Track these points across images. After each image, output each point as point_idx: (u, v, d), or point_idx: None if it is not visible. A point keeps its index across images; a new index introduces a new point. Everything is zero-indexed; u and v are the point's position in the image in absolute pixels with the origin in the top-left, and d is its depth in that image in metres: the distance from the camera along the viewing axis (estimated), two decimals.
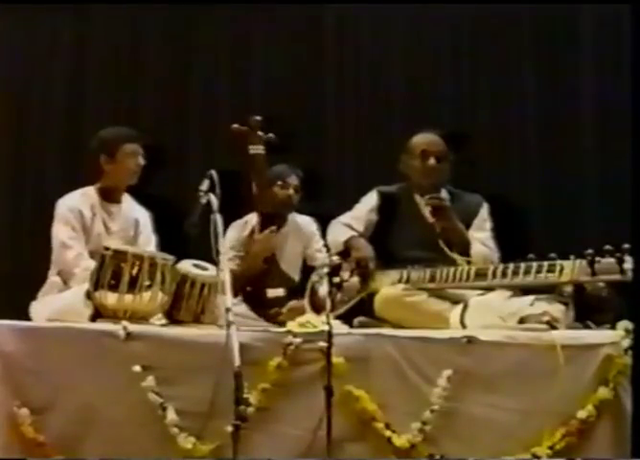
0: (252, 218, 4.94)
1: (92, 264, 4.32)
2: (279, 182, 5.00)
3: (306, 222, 5.06)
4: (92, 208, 4.62)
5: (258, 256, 4.80)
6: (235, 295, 4.20)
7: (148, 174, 4.76)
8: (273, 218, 4.85)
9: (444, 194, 4.62)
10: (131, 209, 4.75)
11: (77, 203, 4.59)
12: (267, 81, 5.52)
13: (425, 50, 5.41)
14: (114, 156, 4.62)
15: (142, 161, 4.64)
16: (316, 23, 5.54)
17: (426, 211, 4.55)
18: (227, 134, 5.04)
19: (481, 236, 4.56)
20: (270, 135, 4.77)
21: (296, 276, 4.89)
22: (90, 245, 4.54)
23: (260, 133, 4.77)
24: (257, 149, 4.77)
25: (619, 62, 4.97)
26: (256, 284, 4.76)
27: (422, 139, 4.64)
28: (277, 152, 4.83)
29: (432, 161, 4.58)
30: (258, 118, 4.78)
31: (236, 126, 4.78)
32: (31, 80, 5.68)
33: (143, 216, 4.78)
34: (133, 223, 4.73)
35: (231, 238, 4.91)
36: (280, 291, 4.73)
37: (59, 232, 4.55)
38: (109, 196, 4.67)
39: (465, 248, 4.46)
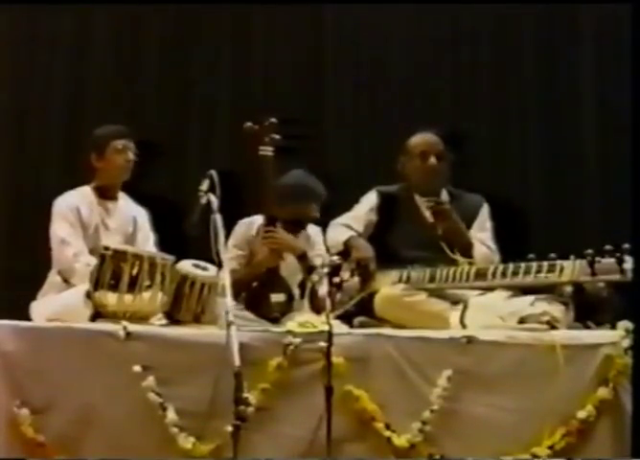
0: (259, 218, 4.85)
1: (92, 259, 4.33)
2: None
3: (314, 232, 4.98)
4: (89, 205, 4.64)
5: (262, 265, 4.74)
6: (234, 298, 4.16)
7: (147, 173, 4.75)
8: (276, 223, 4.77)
9: (444, 194, 4.62)
10: (128, 206, 4.77)
11: (74, 201, 4.61)
12: (267, 81, 5.52)
13: (425, 50, 5.40)
14: (103, 153, 4.64)
15: (132, 156, 4.64)
16: (316, 23, 5.54)
17: (426, 211, 4.56)
18: (229, 133, 5.02)
19: (482, 236, 4.56)
20: (279, 137, 4.65)
21: (296, 281, 4.82)
22: (89, 242, 4.55)
23: (272, 135, 4.63)
24: (266, 151, 4.64)
25: (619, 62, 4.97)
26: (257, 288, 4.72)
27: (421, 139, 4.63)
28: (279, 154, 4.79)
29: (432, 161, 4.57)
30: (273, 120, 4.65)
31: (249, 124, 4.64)
32: (31, 79, 5.67)
33: (140, 213, 4.79)
34: (131, 220, 4.74)
35: (237, 235, 4.85)
36: (281, 297, 4.69)
37: (58, 229, 4.56)
38: (105, 194, 4.69)
39: (467, 249, 4.46)
